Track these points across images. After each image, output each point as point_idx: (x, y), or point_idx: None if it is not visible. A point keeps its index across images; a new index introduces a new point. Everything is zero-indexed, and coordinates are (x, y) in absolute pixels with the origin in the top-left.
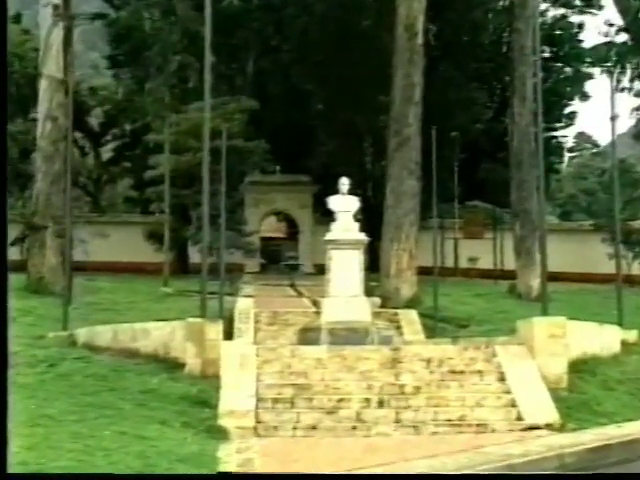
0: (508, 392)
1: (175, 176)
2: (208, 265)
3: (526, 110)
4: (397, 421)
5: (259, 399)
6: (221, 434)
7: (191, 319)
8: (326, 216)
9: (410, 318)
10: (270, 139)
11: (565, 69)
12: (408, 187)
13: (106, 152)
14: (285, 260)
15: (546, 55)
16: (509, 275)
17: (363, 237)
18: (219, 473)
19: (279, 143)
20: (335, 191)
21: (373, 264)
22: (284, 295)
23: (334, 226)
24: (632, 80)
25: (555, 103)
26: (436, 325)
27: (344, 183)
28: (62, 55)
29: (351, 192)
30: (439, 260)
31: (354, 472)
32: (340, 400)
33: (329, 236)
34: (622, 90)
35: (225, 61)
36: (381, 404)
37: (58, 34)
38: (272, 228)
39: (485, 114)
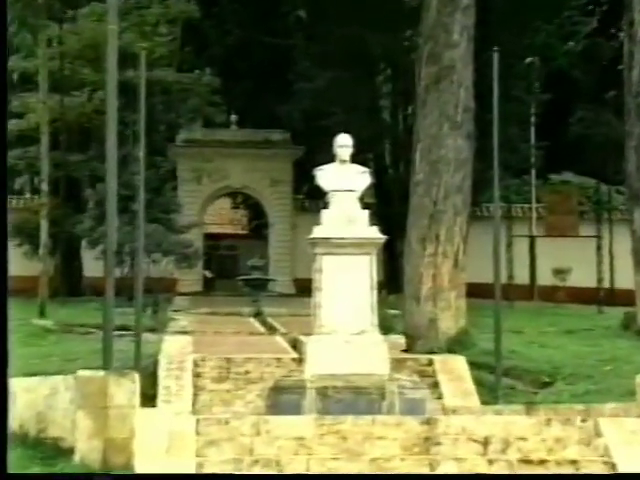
0: None
1: (58, 131)
2: (116, 281)
3: None
4: None
5: None
6: None
7: (85, 372)
8: (314, 199)
9: (454, 370)
10: (221, 69)
11: None
12: (451, 150)
13: None
14: (245, 272)
15: None
16: (623, 298)
17: (375, 234)
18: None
19: (236, 76)
20: (328, 157)
21: (393, 279)
22: (244, 331)
23: (327, 216)
24: None
25: None
26: (498, 382)
27: (344, 144)
28: None
29: (356, 159)
30: (504, 273)
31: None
32: None
33: (318, 232)
34: None
35: None
36: None
37: None
38: (224, 219)
39: (582, 26)
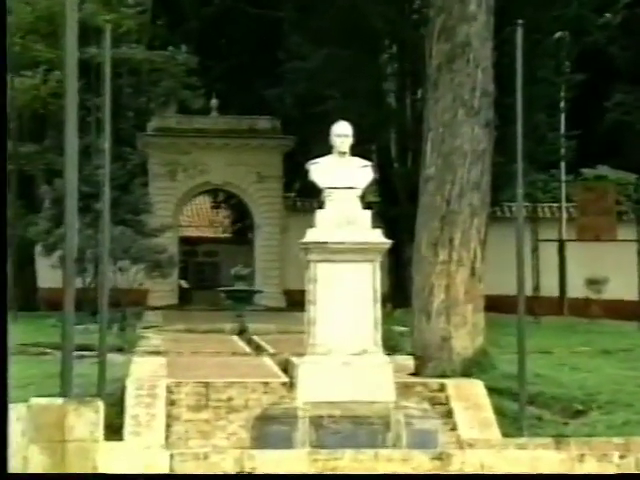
0: None
1: (6, 117)
2: (76, 293)
3: None
4: None
5: None
6: None
7: (39, 400)
8: (307, 197)
9: (470, 396)
10: (199, 46)
11: None
12: (467, 140)
13: None
14: (228, 283)
15: None
16: None
17: (379, 238)
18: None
19: (217, 54)
20: (325, 149)
21: (399, 290)
22: (225, 351)
23: (322, 217)
24: None
25: None
26: (522, 411)
27: (342, 133)
28: None
29: (356, 151)
30: (528, 283)
31: None
32: None
33: (312, 236)
34: None
35: None
36: None
37: None
38: (202, 221)
39: None
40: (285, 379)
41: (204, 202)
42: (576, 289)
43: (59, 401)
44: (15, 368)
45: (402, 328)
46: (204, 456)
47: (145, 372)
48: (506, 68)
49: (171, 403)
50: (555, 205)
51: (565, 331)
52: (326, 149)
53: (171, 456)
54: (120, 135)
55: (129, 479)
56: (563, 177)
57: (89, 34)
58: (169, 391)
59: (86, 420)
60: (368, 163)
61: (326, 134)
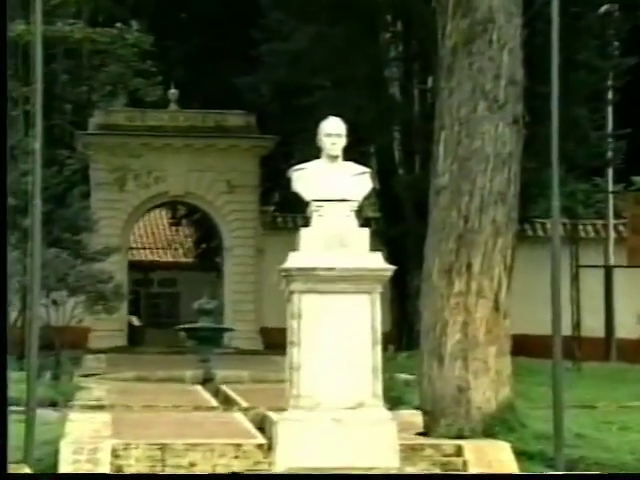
0: None
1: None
2: None
3: None
4: None
5: None
6: None
7: None
8: (288, 212)
9: (494, 462)
10: (155, 23)
11: None
12: (490, 141)
13: None
14: (189, 319)
15: None
16: None
17: (379, 264)
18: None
19: (177, 33)
20: (312, 151)
21: (404, 328)
22: (186, 404)
23: (308, 237)
24: None
25: None
26: None
27: (333, 132)
28: None
29: (351, 154)
30: (565, 320)
31: None
32: None
33: (296, 261)
34: None
35: None
36: None
37: None
38: (158, 241)
39: None
40: (261, 440)
41: (160, 218)
42: (626, 328)
43: None
44: None
45: (408, 376)
46: None
47: (85, 432)
48: (539, 50)
49: (118, 470)
50: (600, 222)
51: (612, 380)
52: (313, 152)
53: None
54: (55, 133)
55: (129, 479)
56: (610, 187)
57: (15, 7)
58: (115, 455)
59: None
60: (366, 169)
61: (313, 133)
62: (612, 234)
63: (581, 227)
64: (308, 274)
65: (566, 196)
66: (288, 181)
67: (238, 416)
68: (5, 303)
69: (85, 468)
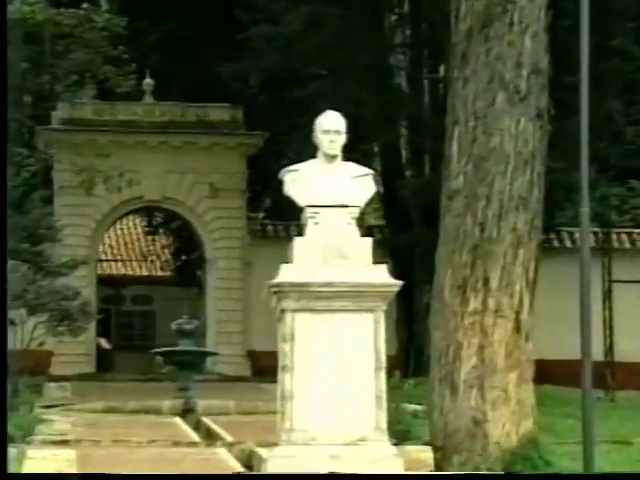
0: None
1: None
2: None
3: None
4: None
5: None
6: None
7: None
8: (280, 220)
9: None
10: (126, 3)
11: None
12: (510, 138)
13: None
14: (166, 341)
15: None
16: None
17: (383, 278)
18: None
19: (152, 15)
20: (307, 150)
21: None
22: (163, 439)
23: (302, 247)
24: None
25: None
26: None
27: (331, 128)
28: None
29: (352, 153)
30: (596, 343)
31: None
32: None
33: (288, 275)
34: None
35: None
36: None
37: None
38: (131, 253)
39: None
40: None
41: (134, 226)
42: None
43: None
44: None
45: (416, 406)
46: None
47: (46, 471)
48: (566, 34)
49: None
50: (636, 231)
51: None
52: (308, 150)
53: None
54: (12, 129)
55: (129, 479)
56: None
57: None
58: None
59: None
60: (368, 171)
61: (308, 129)
62: None
63: (614, 236)
64: (302, 290)
65: (597, 201)
66: (280, 184)
67: (222, 452)
68: (5, 302)
69: None
